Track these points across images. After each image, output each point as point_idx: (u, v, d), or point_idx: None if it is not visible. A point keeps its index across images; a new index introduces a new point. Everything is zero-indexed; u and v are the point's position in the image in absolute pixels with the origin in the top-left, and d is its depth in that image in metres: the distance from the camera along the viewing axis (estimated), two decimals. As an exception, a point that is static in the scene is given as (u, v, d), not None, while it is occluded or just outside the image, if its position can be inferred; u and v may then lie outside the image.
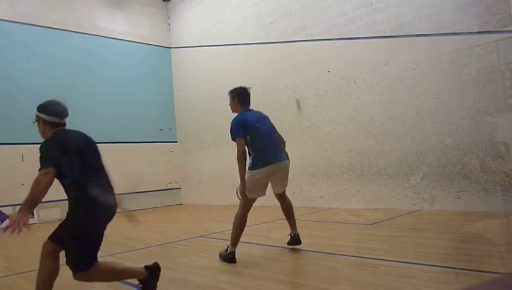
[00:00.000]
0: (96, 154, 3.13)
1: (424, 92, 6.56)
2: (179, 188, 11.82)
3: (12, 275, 4.34)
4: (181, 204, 11.72)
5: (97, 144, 3.20)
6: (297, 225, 4.43)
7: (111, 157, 12.62)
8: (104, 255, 4.96)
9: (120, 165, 10.76)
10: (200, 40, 11.16)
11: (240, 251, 4.52)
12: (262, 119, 4.35)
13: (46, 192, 2.66)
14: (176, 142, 12.08)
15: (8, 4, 9.52)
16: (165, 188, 11.62)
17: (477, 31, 5.92)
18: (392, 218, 5.91)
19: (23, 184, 9.34)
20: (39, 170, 2.72)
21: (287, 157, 4.30)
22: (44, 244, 2.98)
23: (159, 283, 3.54)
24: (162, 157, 11.70)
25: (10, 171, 9.18)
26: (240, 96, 4.32)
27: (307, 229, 5.70)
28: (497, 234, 4.57)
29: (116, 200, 3.06)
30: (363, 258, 3.79)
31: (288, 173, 4.33)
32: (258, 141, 4.13)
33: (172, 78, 12.25)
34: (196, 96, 11.40)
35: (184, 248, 5.14)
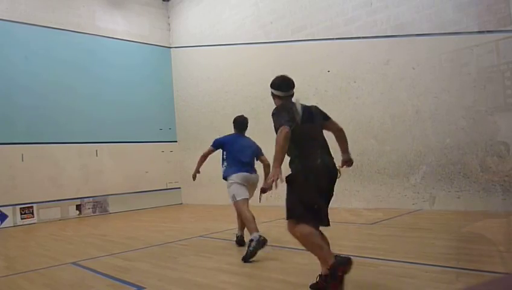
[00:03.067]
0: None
1: (424, 91, 6.56)
2: (179, 187, 11.82)
3: (12, 275, 4.34)
4: (181, 204, 11.72)
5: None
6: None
7: (111, 157, 12.65)
8: (104, 254, 4.97)
9: (120, 165, 10.78)
10: (200, 40, 11.16)
11: (240, 251, 4.52)
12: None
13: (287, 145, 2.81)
14: (176, 141, 12.09)
15: (8, 4, 9.51)
16: (165, 188, 11.63)
17: (477, 30, 5.92)
18: (392, 218, 5.91)
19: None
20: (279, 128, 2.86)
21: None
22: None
23: (158, 282, 3.55)
24: (162, 157, 11.70)
25: (10, 171, 9.17)
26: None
27: (307, 229, 5.70)
28: (497, 234, 4.57)
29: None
30: (363, 258, 3.79)
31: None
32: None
33: (172, 78, 12.25)
34: (196, 96, 11.40)
35: (184, 248, 5.14)
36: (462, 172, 6.06)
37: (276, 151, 2.79)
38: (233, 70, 10.07)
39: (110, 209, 10.53)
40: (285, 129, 2.79)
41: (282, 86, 3.34)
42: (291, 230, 2.93)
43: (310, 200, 2.87)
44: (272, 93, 3.40)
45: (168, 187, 11.69)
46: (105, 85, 10.81)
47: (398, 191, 6.83)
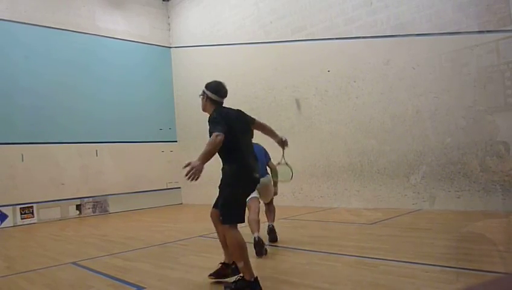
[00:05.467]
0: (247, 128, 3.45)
1: (424, 91, 6.56)
2: (179, 187, 11.82)
3: (13, 275, 4.34)
4: (181, 204, 11.72)
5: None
6: (297, 224, 4.44)
7: (111, 157, 12.62)
8: (104, 254, 4.97)
9: (120, 165, 10.78)
10: (200, 39, 11.16)
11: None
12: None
13: (216, 151, 3.07)
14: (176, 141, 12.09)
15: (8, 4, 9.51)
16: (165, 187, 11.63)
17: (477, 30, 5.92)
18: (392, 217, 5.91)
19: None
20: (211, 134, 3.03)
21: None
22: (212, 213, 3.46)
23: (158, 282, 3.55)
24: (162, 157, 11.70)
25: (10, 170, 9.17)
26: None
27: (307, 229, 5.71)
28: (497, 234, 4.57)
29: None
30: (363, 257, 3.79)
31: None
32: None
33: (172, 77, 12.26)
34: (196, 96, 11.31)
35: (184, 248, 5.14)
36: (462, 172, 6.07)
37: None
38: (233, 70, 10.06)
39: (110, 209, 10.52)
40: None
41: (222, 91, 3.53)
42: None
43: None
44: (206, 96, 3.50)
45: (168, 187, 11.69)
46: (105, 85, 10.81)
47: (398, 191, 6.83)
